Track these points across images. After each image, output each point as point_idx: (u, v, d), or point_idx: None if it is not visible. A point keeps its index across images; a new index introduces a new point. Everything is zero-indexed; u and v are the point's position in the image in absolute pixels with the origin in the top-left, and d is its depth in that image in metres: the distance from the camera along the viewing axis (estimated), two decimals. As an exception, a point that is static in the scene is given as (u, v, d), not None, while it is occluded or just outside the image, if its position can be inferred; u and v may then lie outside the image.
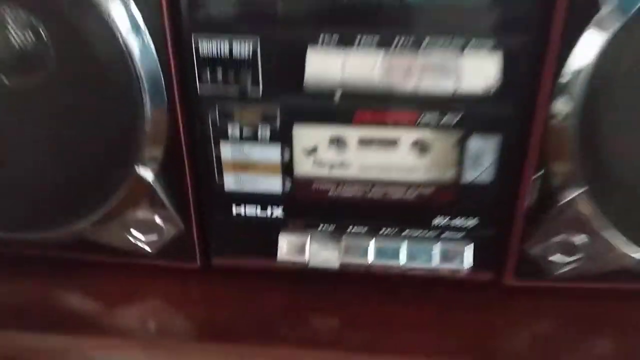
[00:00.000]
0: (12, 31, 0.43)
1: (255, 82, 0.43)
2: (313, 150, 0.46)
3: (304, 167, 0.47)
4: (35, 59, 0.44)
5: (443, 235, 0.48)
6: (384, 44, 0.42)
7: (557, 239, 0.47)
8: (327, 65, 0.42)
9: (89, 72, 0.44)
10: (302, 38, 0.42)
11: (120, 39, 0.42)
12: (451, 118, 0.44)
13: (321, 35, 0.42)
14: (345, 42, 0.42)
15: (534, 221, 0.47)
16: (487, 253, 0.48)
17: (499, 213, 0.47)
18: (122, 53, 0.42)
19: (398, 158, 0.46)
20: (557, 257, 0.47)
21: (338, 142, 0.46)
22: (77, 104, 0.45)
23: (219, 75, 0.43)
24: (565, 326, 0.49)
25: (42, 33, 0.43)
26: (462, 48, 0.42)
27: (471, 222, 0.48)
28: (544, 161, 0.44)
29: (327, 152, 0.46)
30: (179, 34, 0.43)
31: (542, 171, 0.45)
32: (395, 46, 0.42)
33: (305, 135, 0.46)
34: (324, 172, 0.47)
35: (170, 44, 0.43)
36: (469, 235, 0.48)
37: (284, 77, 0.43)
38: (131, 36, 0.42)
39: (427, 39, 0.42)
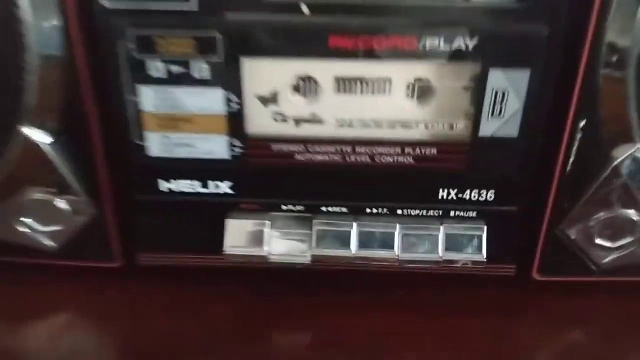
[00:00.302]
0: None
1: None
2: (272, 97, 0.38)
3: (259, 121, 0.38)
4: None
5: (450, 215, 0.42)
6: None
7: (600, 217, 0.41)
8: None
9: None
10: None
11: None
12: (464, 44, 0.35)
13: None
14: None
15: (572, 193, 0.40)
16: (510, 238, 0.42)
17: (525, 181, 0.40)
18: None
19: (390, 106, 0.38)
20: (599, 242, 0.42)
21: (307, 85, 0.37)
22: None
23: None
24: (610, 332, 0.44)
25: None
26: None
27: (488, 195, 0.41)
28: (586, 109, 0.37)
29: (292, 100, 0.38)
30: None
31: (584, 122, 0.38)
32: None
33: (260, 74, 0.37)
34: (287, 128, 0.39)
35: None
36: (485, 213, 0.41)
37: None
38: None
39: None
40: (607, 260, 0.42)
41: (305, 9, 0.34)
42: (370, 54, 0.35)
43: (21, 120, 0.37)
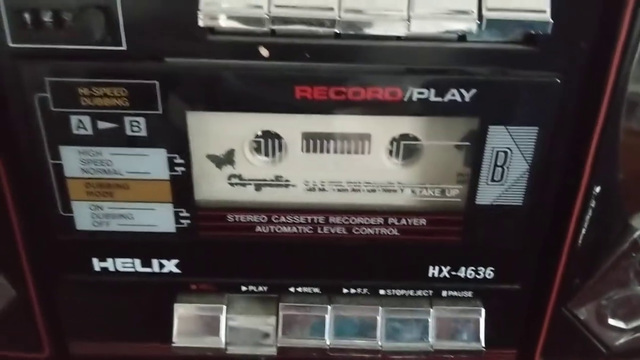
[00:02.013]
0: None
1: (112, 24, 0.26)
2: (227, 157, 0.31)
3: (211, 186, 0.32)
4: None
5: (442, 295, 0.36)
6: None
7: (614, 295, 0.36)
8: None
9: None
10: None
11: None
12: (458, 95, 0.28)
13: None
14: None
15: (583, 269, 0.35)
16: (511, 320, 0.37)
17: (529, 256, 0.35)
18: None
19: (369, 167, 0.32)
20: (612, 323, 0.37)
21: (269, 142, 0.31)
22: None
23: (46, 17, 0.26)
24: None
25: None
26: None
27: (487, 273, 0.35)
28: (603, 173, 0.32)
29: (251, 160, 0.32)
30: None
31: (600, 188, 0.32)
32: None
33: (211, 130, 0.30)
34: (246, 194, 0.33)
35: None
36: (483, 293, 0.36)
37: (164, 15, 0.26)
38: None
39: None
40: (620, 342, 0.37)
41: (264, 51, 0.26)
42: (345, 108, 0.28)
43: None
